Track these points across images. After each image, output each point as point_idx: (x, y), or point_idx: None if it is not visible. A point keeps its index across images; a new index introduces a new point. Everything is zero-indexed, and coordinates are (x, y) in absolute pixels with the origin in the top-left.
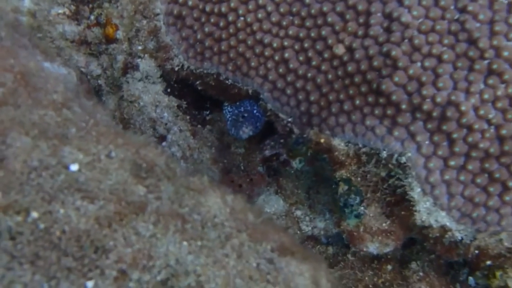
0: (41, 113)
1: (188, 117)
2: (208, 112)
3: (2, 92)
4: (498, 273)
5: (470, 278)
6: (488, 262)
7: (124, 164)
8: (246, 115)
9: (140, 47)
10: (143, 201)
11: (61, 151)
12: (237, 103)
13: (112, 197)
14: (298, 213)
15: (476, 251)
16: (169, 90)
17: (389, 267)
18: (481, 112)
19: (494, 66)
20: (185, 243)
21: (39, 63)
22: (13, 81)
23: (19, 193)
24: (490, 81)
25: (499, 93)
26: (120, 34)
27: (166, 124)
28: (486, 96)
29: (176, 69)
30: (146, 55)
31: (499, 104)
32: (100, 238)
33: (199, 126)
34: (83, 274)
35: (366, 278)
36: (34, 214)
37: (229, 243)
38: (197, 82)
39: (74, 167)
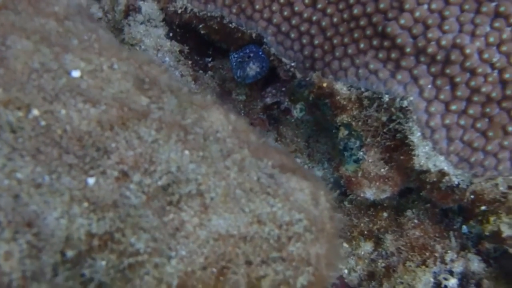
0: (42, 22)
1: (190, 62)
2: (210, 59)
3: None
4: (492, 218)
5: (464, 226)
6: (483, 207)
7: (127, 76)
8: (252, 55)
9: None
10: (145, 110)
11: (63, 58)
12: (242, 48)
13: (114, 103)
14: (297, 161)
15: (472, 196)
16: (171, 34)
17: (385, 214)
18: (485, 55)
19: (501, 9)
20: (186, 152)
21: None
22: None
23: (20, 91)
24: (496, 24)
25: (504, 36)
26: None
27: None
28: (491, 39)
29: (179, 11)
30: None
31: (503, 48)
32: (102, 139)
33: (200, 71)
34: (85, 171)
35: (362, 224)
36: (35, 112)
37: (231, 157)
38: (200, 26)
39: (76, 74)
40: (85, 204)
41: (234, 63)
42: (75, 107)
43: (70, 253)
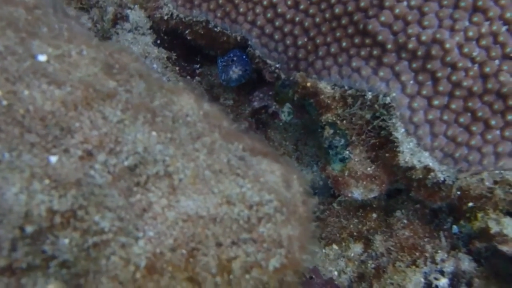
0: (10, 10)
1: (177, 68)
2: (198, 66)
3: None
4: (479, 215)
5: (454, 226)
6: (470, 204)
7: (96, 62)
8: (235, 58)
9: None
10: (112, 91)
11: (29, 44)
12: (228, 53)
13: (80, 85)
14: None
15: (458, 192)
16: (158, 41)
17: (374, 215)
18: (465, 50)
19: (479, 3)
20: (154, 133)
21: None
22: None
23: None
24: (475, 19)
25: (483, 30)
26: None
27: None
28: (470, 34)
29: (166, 18)
30: (136, 5)
31: (483, 42)
32: (66, 119)
33: (188, 77)
34: (47, 149)
35: (351, 225)
36: None
37: (200, 139)
38: (186, 31)
39: (42, 58)
40: (46, 181)
41: (220, 67)
42: (39, 88)
43: (29, 229)
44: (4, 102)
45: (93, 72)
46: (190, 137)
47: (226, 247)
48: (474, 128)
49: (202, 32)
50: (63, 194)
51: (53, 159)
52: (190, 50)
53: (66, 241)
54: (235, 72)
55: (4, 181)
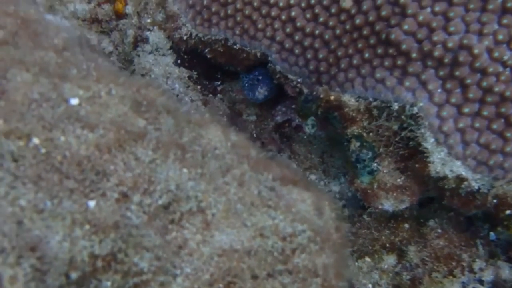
0: (41, 54)
1: (199, 87)
2: (219, 83)
3: (3, 33)
4: None
5: (491, 233)
6: (508, 212)
7: (124, 100)
8: (260, 78)
9: (149, 20)
10: (142, 131)
11: (62, 88)
12: (253, 71)
13: (111, 127)
14: (313, 177)
15: (495, 200)
16: (179, 61)
17: (406, 225)
18: (496, 54)
19: (509, 4)
20: (185, 170)
21: (40, 13)
22: (13, 24)
23: (20, 121)
24: (505, 21)
25: None
26: (129, 9)
27: (177, 95)
28: (500, 37)
29: (185, 38)
30: (155, 27)
31: None
32: (101, 163)
33: (210, 95)
34: (85, 194)
35: (383, 237)
36: (35, 140)
37: (230, 172)
38: (206, 50)
39: (74, 101)
40: (87, 227)
41: (246, 85)
42: (73, 133)
43: (74, 275)
44: (43, 150)
45: (123, 111)
46: (220, 170)
47: (262, 279)
48: (508, 134)
49: (221, 50)
50: (103, 238)
51: (92, 203)
52: (210, 67)
53: (109, 284)
54: (261, 93)
55: (48, 229)
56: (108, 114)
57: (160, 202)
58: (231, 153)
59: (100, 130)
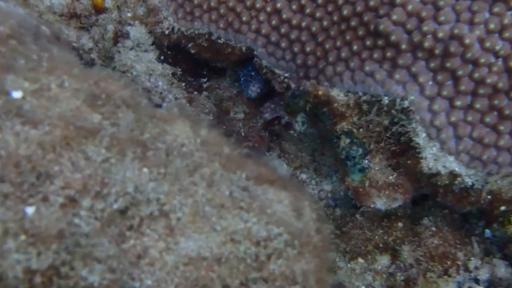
0: None
1: (183, 84)
2: (205, 80)
3: None
4: None
5: (487, 230)
6: (503, 208)
7: (79, 94)
8: (253, 73)
9: (129, 14)
10: (95, 127)
11: (4, 79)
12: (248, 65)
13: (59, 123)
14: (303, 176)
15: (489, 196)
16: (162, 57)
17: (400, 224)
18: (487, 44)
19: None
20: (145, 169)
21: None
22: None
23: None
24: (496, 9)
25: (506, 21)
26: (109, 3)
27: (161, 93)
28: (492, 26)
29: (167, 32)
30: (136, 21)
31: (506, 34)
32: (43, 163)
33: (195, 93)
34: (23, 200)
35: (376, 237)
36: None
37: (198, 172)
38: (190, 45)
39: (16, 94)
40: (22, 237)
41: (242, 79)
42: (11, 130)
43: None
44: None
45: (75, 106)
46: (187, 169)
47: None
48: (502, 128)
49: (205, 45)
50: (42, 250)
51: (30, 210)
52: (196, 63)
53: None
54: (253, 91)
55: None
56: (56, 109)
57: (115, 206)
58: (200, 150)
59: (45, 127)
